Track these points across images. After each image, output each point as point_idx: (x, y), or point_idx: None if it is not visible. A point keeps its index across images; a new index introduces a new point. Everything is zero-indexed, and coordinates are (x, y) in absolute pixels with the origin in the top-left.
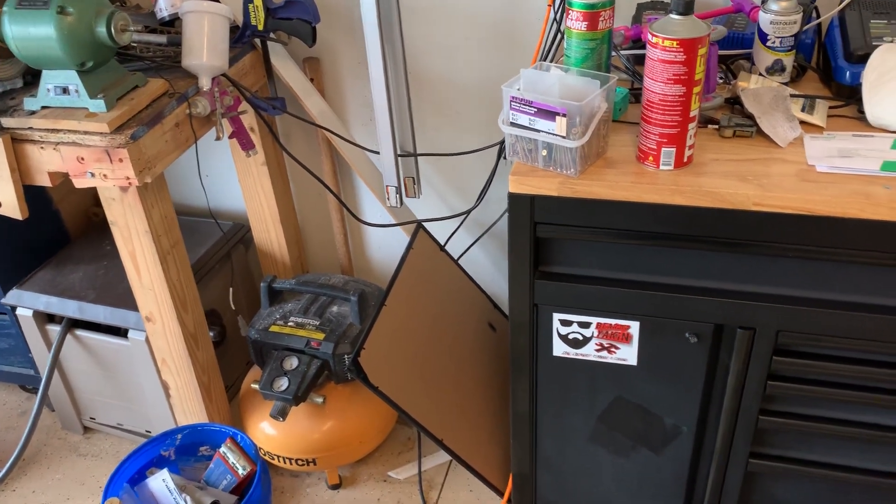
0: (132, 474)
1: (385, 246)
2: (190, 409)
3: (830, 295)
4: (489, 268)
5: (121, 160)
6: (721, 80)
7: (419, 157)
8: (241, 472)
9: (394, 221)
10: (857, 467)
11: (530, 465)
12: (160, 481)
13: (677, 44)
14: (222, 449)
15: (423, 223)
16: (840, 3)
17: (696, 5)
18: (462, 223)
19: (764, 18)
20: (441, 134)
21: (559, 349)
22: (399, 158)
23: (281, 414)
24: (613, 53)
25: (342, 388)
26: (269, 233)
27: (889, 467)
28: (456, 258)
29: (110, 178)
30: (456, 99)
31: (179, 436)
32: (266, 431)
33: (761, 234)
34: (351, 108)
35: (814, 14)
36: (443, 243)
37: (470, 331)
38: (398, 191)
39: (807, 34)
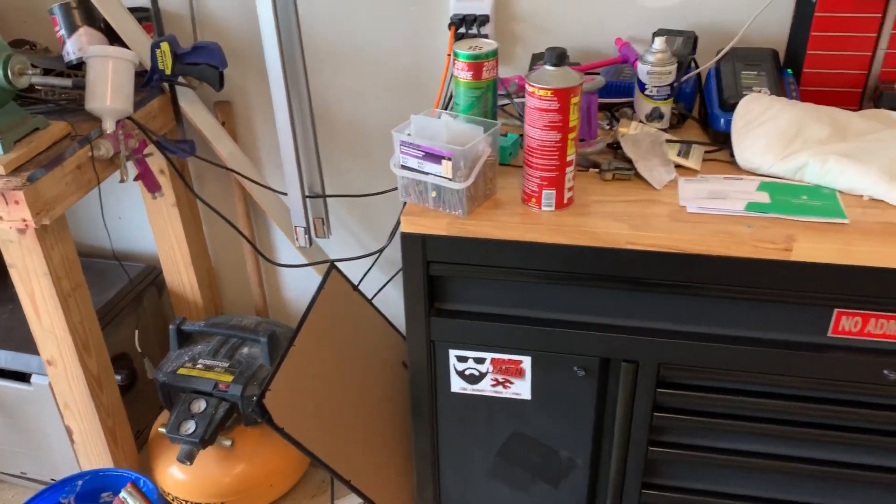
0: None
1: (301, 286)
2: (95, 455)
3: (705, 329)
4: (403, 307)
5: (17, 202)
6: (608, 127)
7: (329, 199)
8: None
9: (306, 262)
10: (745, 495)
11: (434, 502)
12: None
13: (551, 93)
14: (122, 494)
15: (336, 263)
16: (716, 56)
17: (588, 55)
18: (375, 262)
19: (641, 69)
20: (354, 175)
21: (457, 385)
22: (308, 199)
23: (188, 457)
24: (507, 101)
25: (252, 430)
26: (180, 275)
27: (773, 494)
28: (370, 297)
29: (6, 220)
30: (367, 142)
31: (80, 482)
32: (175, 476)
33: (636, 272)
34: (263, 151)
35: (692, 65)
36: (357, 283)
37: (382, 370)
38: (307, 231)
39: (687, 84)
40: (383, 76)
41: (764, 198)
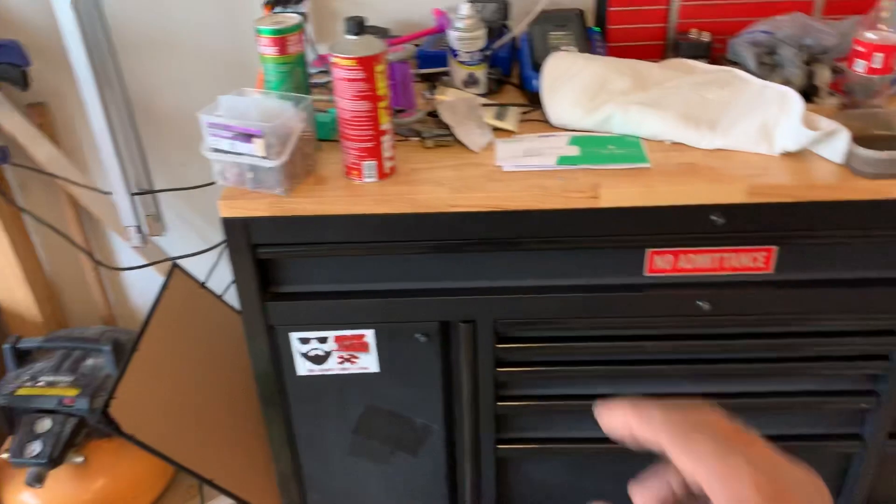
0: None
1: (148, 290)
2: None
3: (533, 281)
4: None
5: None
6: (430, 96)
7: (163, 194)
8: None
9: (145, 263)
10: (593, 437)
11: (298, 490)
12: None
13: (355, 62)
14: None
15: (179, 261)
16: (525, 20)
17: (409, 27)
18: (221, 255)
19: (452, 36)
20: (187, 168)
21: (303, 368)
22: (136, 197)
23: (37, 480)
24: (329, 78)
25: (107, 443)
26: (13, 292)
27: None
28: (221, 292)
29: None
30: (196, 131)
31: None
32: (28, 502)
33: (461, 234)
34: (88, 152)
35: (505, 30)
36: (205, 278)
37: (240, 365)
38: (139, 230)
39: (502, 49)
40: (205, 62)
41: (574, 151)
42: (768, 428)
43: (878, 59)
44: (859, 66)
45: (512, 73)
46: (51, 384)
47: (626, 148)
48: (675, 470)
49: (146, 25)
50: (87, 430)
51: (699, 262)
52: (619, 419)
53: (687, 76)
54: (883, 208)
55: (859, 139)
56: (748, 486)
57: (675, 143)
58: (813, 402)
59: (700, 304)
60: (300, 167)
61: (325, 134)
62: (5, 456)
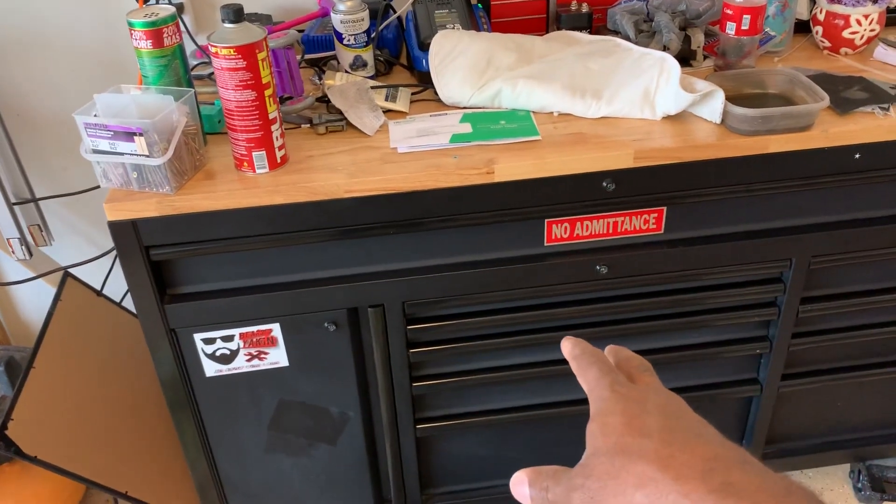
0: None
1: (41, 304)
2: None
3: (436, 260)
4: None
5: None
6: (319, 82)
7: (44, 202)
8: None
9: (33, 275)
10: (509, 407)
11: (217, 492)
12: None
13: (234, 51)
14: None
15: (71, 270)
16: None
17: (292, 13)
18: (115, 260)
19: (335, 19)
20: (70, 173)
21: (211, 369)
22: (17, 207)
23: None
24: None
25: (8, 467)
26: None
27: (531, 400)
28: (120, 298)
29: None
30: (76, 135)
31: None
32: None
33: (360, 219)
34: None
35: (390, 11)
36: (101, 285)
37: (146, 372)
38: (23, 241)
39: (388, 30)
40: (81, 63)
41: (467, 128)
42: (673, 381)
43: (746, 21)
44: (730, 29)
45: (400, 54)
46: None
47: (517, 122)
48: None
49: (11, 26)
50: None
51: (595, 227)
52: (567, 351)
53: (570, 48)
54: (759, 162)
55: (733, 98)
56: (606, 388)
57: (562, 114)
58: (711, 353)
59: (598, 268)
60: (187, 163)
61: (212, 127)
62: None
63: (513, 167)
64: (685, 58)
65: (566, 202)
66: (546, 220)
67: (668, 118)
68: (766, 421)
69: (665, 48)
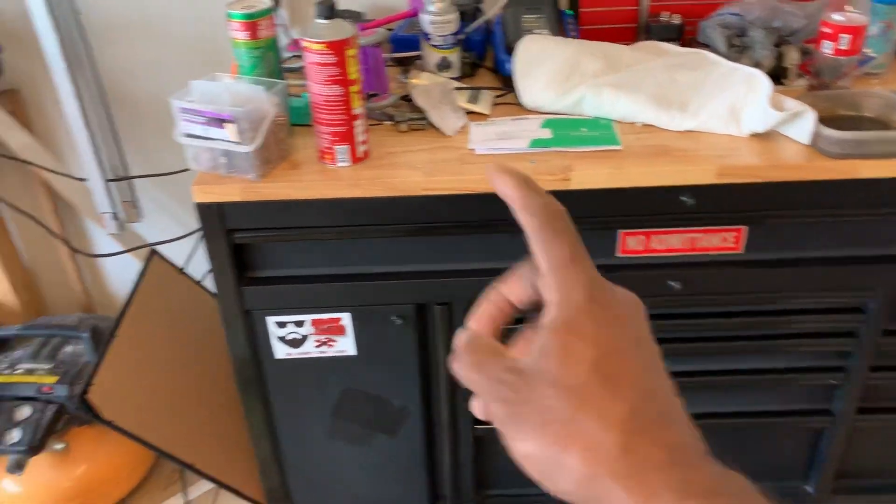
0: None
1: (127, 277)
2: None
3: (506, 264)
4: None
5: None
6: (404, 80)
7: (140, 180)
8: None
9: (122, 249)
10: None
11: (279, 473)
12: None
13: (325, 46)
14: None
15: (158, 247)
16: (498, 3)
17: (383, 11)
18: (199, 241)
19: (425, 19)
20: (164, 153)
21: (281, 352)
22: (112, 184)
23: (17, 467)
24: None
25: (88, 429)
26: None
27: None
28: (200, 277)
29: None
30: (171, 117)
31: None
32: (8, 490)
33: (434, 217)
34: (62, 138)
35: (479, 14)
36: (184, 264)
37: (219, 350)
38: (116, 216)
39: (476, 32)
40: (179, 46)
41: (547, 134)
42: (739, 404)
43: (844, 41)
44: (827, 48)
45: (486, 56)
46: (29, 371)
47: (598, 130)
48: (526, 274)
49: (118, 9)
50: (67, 417)
51: (670, 242)
52: (507, 188)
53: (658, 58)
54: (848, 188)
55: (826, 119)
56: (582, 292)
57: (646, 125)
58: (783, 379)
59: (671, 283)
60: (274, 152)
61: (298, 119)
62: None
63: (589, 175)
64: (777, 75)
65: (642, 214)
66: (620, 231)
67: (754, 136)
68: (838, 455)
69: (757, 64)
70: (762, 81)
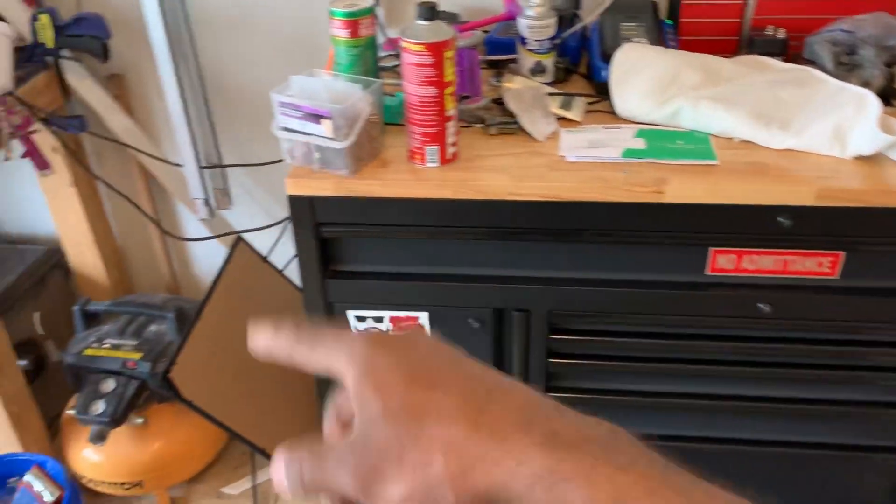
0: None
1: (212, 261)
2: (1, 442)
3: (590, 274)
4: None
5: None
6: (496, 83)
7: (231, 169)
8: (47, 498)
9: (211, 235)
10: (646, 433)
11: None
12: None
13: (424, 47)
14: (26, 477)
15: (244, 235)
16: (596, 10)
17: (479, 13)
18: (284, 231)
19: (522, 24)
20: (255, 144)
21: None
22: (205, 171)
23: (99, 437)
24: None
25: (166, 407)
26: (85, 256)
27: (665, 431)
28: (282, 267)
29: None
30: (265, 109)
31: None
32: (89, 458)
33: (520, 222)
34: (160, 124)
35: (576, 20)
36: (267, 252)
37: None
38: (207, 203)
39: (572, 38)
40: (278, 41)
41: (640, 144)
42: (821, 435)
43: None
44: None
45: (580, 62)
46: (116, 347)
47: (695, 144)
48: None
49: (224, 3)
50: (148, 393)
51: (763, 263)
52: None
53: (760, 73)
54: None
55: None
56: (360, 345)
57: (744, 142)
58: (869, 413)
59: (761, 306)
60: (366, 149)
61: (391, 118)
62: (72, 412)
63: (684, 189)
64: (887, 96)
65: (735, 233)
66: (711, 249)
67: (859, 158)
68: None
69: (866, 84)
70: (871, 102)
